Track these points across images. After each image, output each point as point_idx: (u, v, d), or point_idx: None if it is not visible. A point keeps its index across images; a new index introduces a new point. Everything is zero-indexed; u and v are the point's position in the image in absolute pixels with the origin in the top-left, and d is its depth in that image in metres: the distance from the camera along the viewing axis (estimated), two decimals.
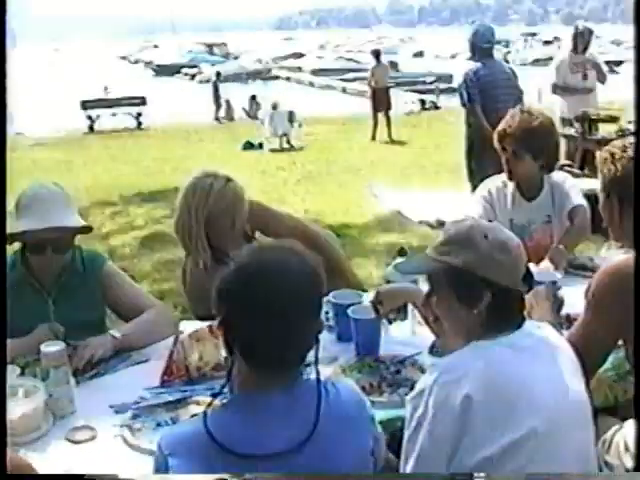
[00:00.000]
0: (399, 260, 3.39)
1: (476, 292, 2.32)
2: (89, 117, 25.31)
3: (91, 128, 25.11)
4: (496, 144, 4.48)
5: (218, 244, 3.84)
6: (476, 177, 8.12)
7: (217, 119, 27.12)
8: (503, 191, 4.52)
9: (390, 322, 3.39)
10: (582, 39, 10.22)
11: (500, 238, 2.37)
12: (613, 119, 10.35)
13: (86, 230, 3.52)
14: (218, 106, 27.46)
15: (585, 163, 9.93)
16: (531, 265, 2.80)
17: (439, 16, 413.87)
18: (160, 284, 7.43)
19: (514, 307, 2.38)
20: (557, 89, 10.33)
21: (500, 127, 4.48)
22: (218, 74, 30.28)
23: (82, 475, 2.42)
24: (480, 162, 8.08)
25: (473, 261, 2.32)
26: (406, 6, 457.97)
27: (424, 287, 2.73)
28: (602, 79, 10.42)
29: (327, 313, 3.40)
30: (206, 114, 28.00)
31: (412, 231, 9.23)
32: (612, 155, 2.82)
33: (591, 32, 10.53)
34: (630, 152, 2.79)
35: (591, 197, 3.24)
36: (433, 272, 2.47)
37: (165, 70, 61.04)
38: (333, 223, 9.81)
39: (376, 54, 20.36)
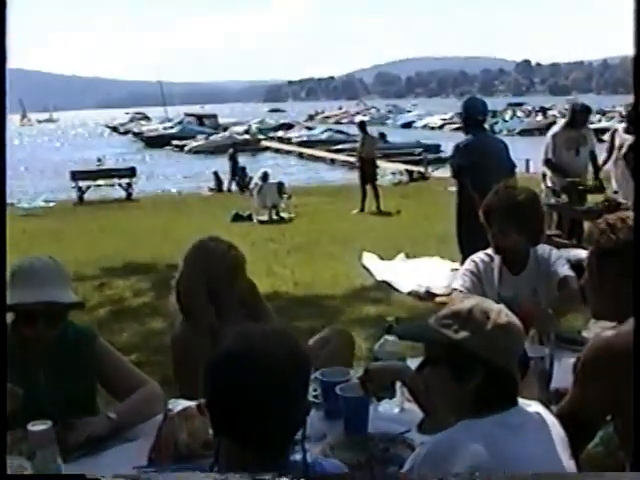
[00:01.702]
0: (387, 338, 3.41)
1: (470, 369, 2.33)
2: (79, 188, 25.49)
3: (81, 199, 25.27)
4: (482, 219, 4.52)
5: (216, 307, 3.88)
6: (467, 248, 8.11)
7: (229, 190, 27.24)
8: (490, 265, 4.55)
9: (379, 400, 3.40)
10: (580, 116, 10.33)
11: (502, 321, 2.37)
12: (599, 189, 10.44)
13: (79, 306, 3.54)
14: (234, 177, 27.52)
15: (573, 233, 10.00)
16: None
17: (427, 87, 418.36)
18: (147, 356, 7.38)
19: (506, 387, 2.38)
20: (549, 164, 10.39)
21: (485, 203, 4.52)
22: (234, 145, 30.54)
23: (82, 475, 2.41)
24: (471, 233, 8.07)
25: (472, 339, 2.33)
26: (394, 77, 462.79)
27: (412, 365, 2.73)
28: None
29: (315, 390, 3.40)
30: (196, 185, 28.14)
31: (401, 303, 9.21)
32: (611, 226, 2.81)
33: (589, 110, 10.71)
34: (630, 222, 2.80)
35: (579, 267, 3.25)
36: (432, 342, 2.48)
37: (155, 141, 61.55)
38: (322, 294, 9.83)
39: (362, 126, 20.59)
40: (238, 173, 27.39)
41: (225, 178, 27.99)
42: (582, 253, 2.98)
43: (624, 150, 9.74)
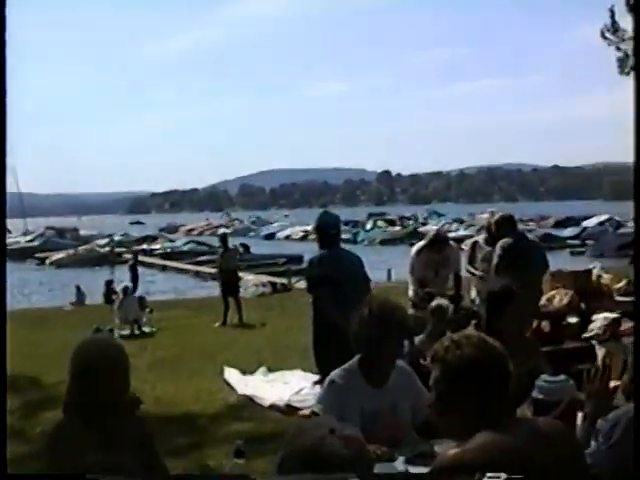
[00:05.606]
0: (237, 461, 3.43)
1: None
2: None
3: None
4: (353, 331, 4.59)
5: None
6: (323, 360, 8.17)
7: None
8: (351, 380, 4.55)
9: None
10: (437, 243, 10.70)
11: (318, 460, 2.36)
12: (455, 298, 10.72)
13: None
14: (136, 286, 26.87)
15: None
16: None
17: (290, 198, 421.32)
18: None
19: None
20: (411, 279, 10.73)
21: (357, 314, 4.59)
22: (136, 255, 30.06)
23: (82, 475, 2.36)
24: (326, 346, 8.13)
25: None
26: (257, 188, 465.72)
27: None
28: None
29: None
30: (58, 299, 27.58)
31: (263, 418, 9.15)
32: (455, 342, 2.89)
33: (447, 238, 11.33)
34: (475, 340, 2.90)
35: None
36: None
37: (15, 255, 60.12)
38: (184, 412, 9.71)
39: (223, 238, 20.67)
40: (106, 286, 26.87)
41: (87, 291, 27.52)
42: None
43: (494, 261, 9.99)
